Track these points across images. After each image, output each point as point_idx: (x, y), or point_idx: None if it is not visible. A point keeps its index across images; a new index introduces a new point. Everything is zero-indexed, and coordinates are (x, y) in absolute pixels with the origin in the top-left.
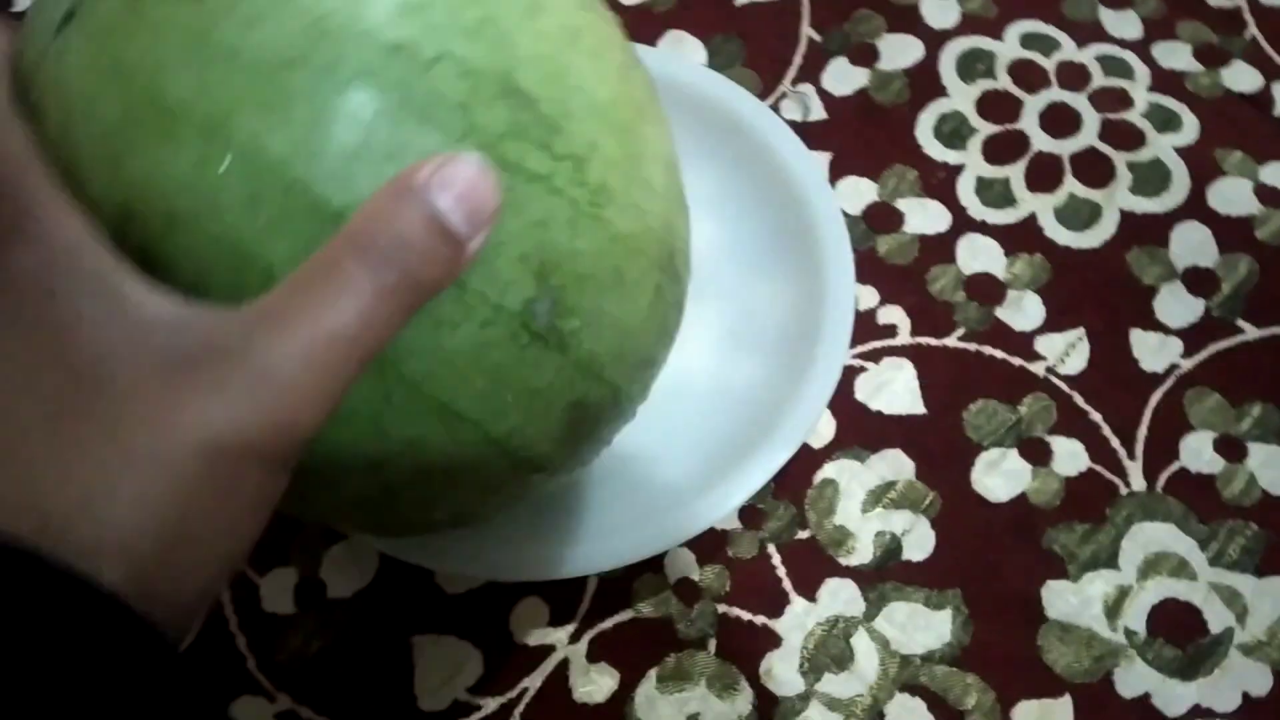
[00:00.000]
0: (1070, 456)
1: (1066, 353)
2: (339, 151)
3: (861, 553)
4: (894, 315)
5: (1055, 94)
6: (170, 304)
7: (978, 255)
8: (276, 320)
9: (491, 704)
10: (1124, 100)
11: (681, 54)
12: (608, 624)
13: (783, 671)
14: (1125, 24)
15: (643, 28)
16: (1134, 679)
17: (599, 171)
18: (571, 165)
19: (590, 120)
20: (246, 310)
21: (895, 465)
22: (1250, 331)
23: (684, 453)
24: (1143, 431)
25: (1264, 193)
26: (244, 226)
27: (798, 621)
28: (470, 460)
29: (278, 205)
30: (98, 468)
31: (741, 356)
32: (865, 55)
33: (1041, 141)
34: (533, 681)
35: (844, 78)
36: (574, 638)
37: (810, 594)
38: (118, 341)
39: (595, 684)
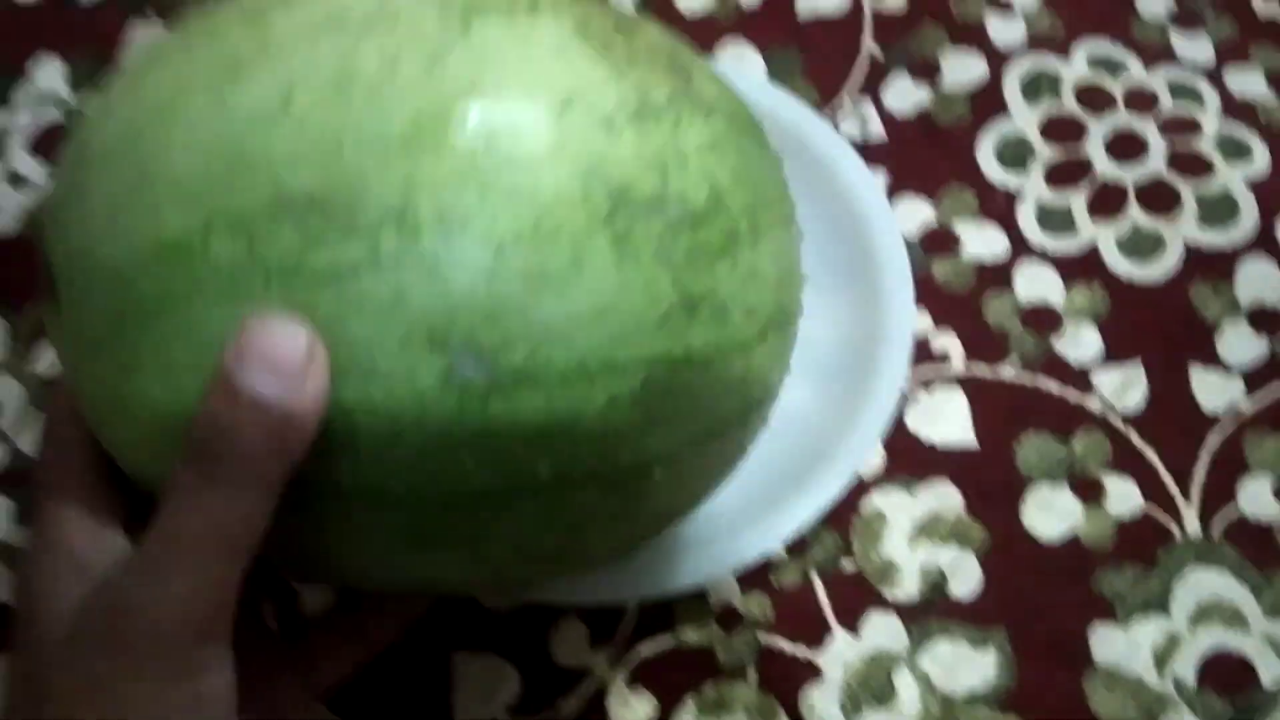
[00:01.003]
0: (1123, 496)
1: (1124, 388)
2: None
3: (907, 587)
4: (947, 342)
5: (1121, 118)
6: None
7: (1035, 283)
8: (150, 563)
9: None
10: (1193, 127)
11: (740, 65)
12: (647, 649)
13: (823, 705)
14: (1197, 48)
15: (703, 37)
16: None
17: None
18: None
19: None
20: (136, 558)
21: (944, 498)
22: None
23: (734, 480)
24: (1200, 473)
25: None
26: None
27: (839, 655)
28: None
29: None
30: None
31: (795, 382)
32: (927, 71)
33: (1105, 167)
34: (570, 704)
35: (904, 94)
36: (613, 661)
37: (853, 626)
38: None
39: (633, 710)
